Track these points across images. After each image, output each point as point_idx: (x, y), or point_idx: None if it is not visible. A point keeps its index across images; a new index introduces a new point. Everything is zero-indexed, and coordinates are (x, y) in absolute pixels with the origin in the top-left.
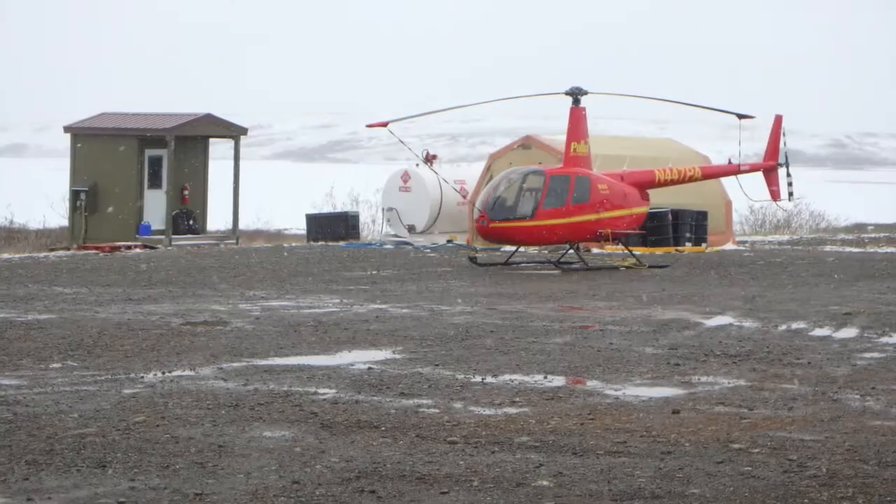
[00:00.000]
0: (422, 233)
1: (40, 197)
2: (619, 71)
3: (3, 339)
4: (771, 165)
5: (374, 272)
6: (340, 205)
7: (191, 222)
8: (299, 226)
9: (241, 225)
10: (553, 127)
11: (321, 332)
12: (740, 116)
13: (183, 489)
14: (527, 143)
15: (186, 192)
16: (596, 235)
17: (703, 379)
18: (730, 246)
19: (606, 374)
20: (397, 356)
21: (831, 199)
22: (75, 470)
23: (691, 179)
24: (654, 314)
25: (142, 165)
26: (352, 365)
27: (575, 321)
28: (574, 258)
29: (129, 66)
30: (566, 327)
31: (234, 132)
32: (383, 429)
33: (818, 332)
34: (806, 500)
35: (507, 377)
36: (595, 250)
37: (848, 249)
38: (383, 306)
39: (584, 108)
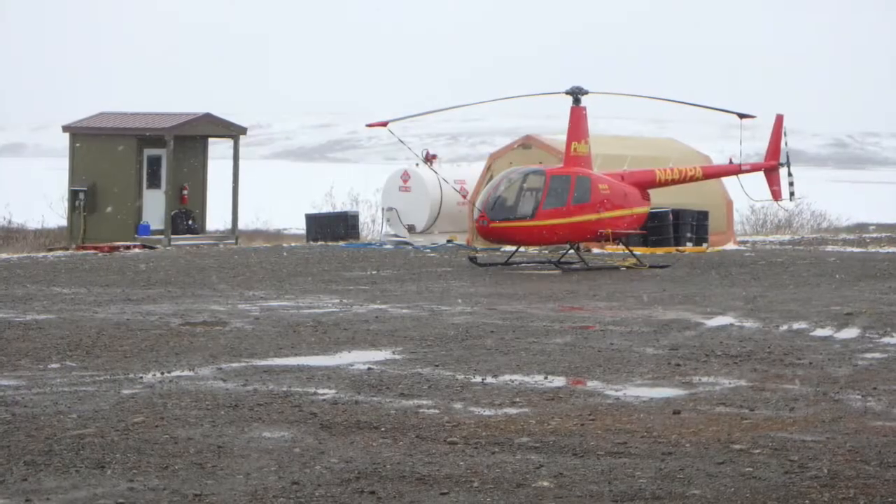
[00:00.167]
0: (422, 233)
1: (39, 197)
2: (619, 71)
3: (1, 339)
4: (772, 165)
5: (373, 272)
6: (340, 205)
7: (190, 222)
8: (299, 226)
9: (241, 225)
10: (553, 126)
11: (321, 332)
12: (741, 116)
13: (182, 490)
14: (527, 143)
15: (185, 192)
16: (596, 235)
17: (704, 379)
18: (731, 246)
19: (607, 374)
20: (397, 356)
21: (833, 199)
22: (74, 471)
23: (692, 179)
24: (655, 314)
25: (141, 165)
26: (351, 365)
27: (575, 321)
28: (574, 258)
29: (128, 66)
30: (567, 327)
31: (233, 132)
32: (383, 429)
33: (819, 332)
34: (807, 501)
35: (507, 377)
36: (595, 250)
37: (849, 249)
38: (383, 306)
39: (584, 108)
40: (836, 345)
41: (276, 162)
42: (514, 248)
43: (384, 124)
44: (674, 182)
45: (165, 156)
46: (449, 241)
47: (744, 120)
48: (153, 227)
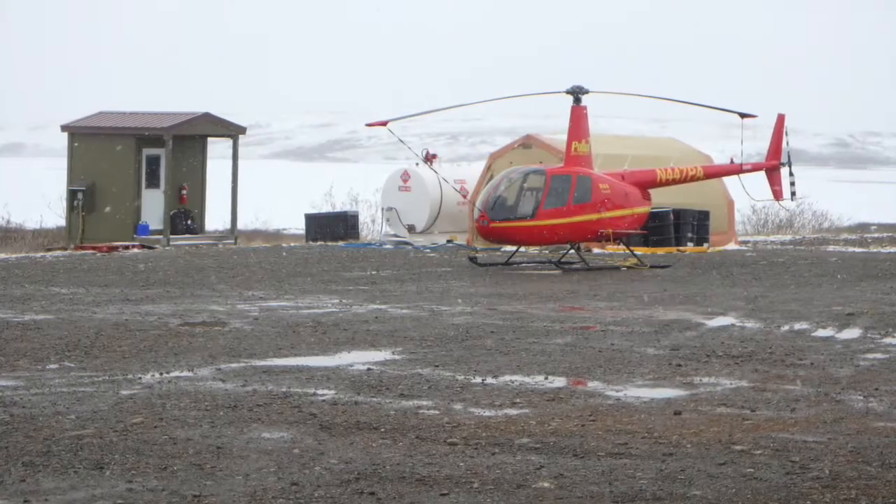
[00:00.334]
0: (421, 233)
1: (37, 196)
2: (620, 70)
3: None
4: (773, 165)
5: (373, 272)
6: (339, 204)
7: (189, 222)
8: (298, 226)
9: (240, 225)
10: (554, 126)
11: (320, 332)
12: (742, 115)
13: (181, 491)
14: (527, 143)
15: (184, 192)
16: (597, 235)
17: (705, 380)
18: (732, 246)
19: (608, 374)
20: (397, 357)
21: (834, 199)
22: (72, 471)
23: (693, 179)
24: (656, 315)
25: (139, 165)
26: (351, 366)
27: (576, 322)
28: (575, 258)
29: (126, 65)
30: (567, 328)
31: (232, 131)
32: (383, 430)
33: (821, 332)
34: (808, 502)
35: (507, 378)
36: (596, 250)
37: (851, 249)
38: (383, 307)
39: (585, 107)
40: (837, 345)
41: (276, 161)
42: (514, 248)
43: (384, 124)
44: (675, 182)
45: (164, 155)
46: (449, 241)
47: (745, 119)
48: (152, 226)
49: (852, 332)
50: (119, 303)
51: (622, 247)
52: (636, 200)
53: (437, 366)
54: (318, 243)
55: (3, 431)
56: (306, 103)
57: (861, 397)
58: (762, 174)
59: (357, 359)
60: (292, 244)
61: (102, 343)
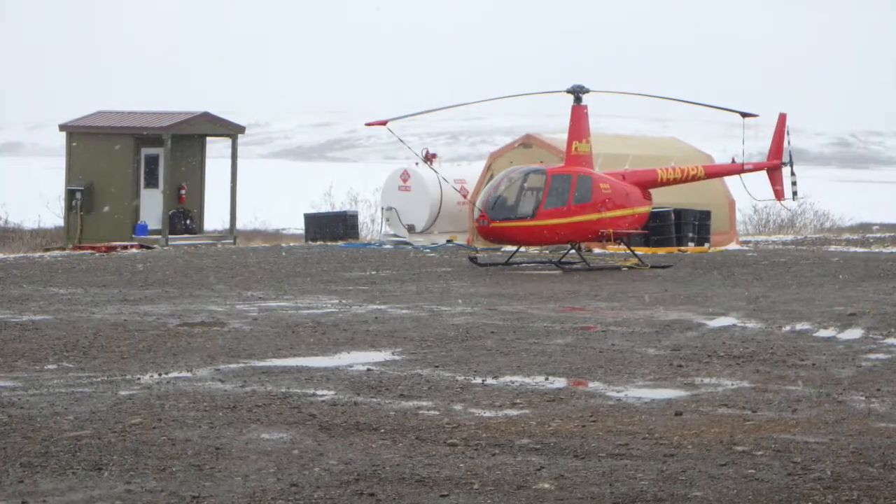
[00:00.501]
0: (421, 233)
1: (35, 196)
2: (621, 69)
3: None
4: (775, 164)
5: (373, 272)
6: (339, 204)
7: (188, 222)
8: (297, 225)
9: (239, 224)
10: (554, 125)
11: (320, 332)
12: (744, 115)
13: (180, 492)
14: (528, 142)
15: (183, 192)
16: (598, 235)
17: (706, 380)
18: (733, 246)
19: (608, 375)
20: (396, 357)
21: (836, 199)
22: (71, 473)
23: (694, 179)
24: (657, 315)
25: (138, 164)
26: (350, 366)
27: (576, 322)
28: (576, 258)
29: (125, 64)
30: (567, 328)
31: (231, 131)
32: (382, 431)
33: (822, 333)
34: (810, 503)
35: (507, 379)
36: (597, 250)
37: (853, 249)
38: (382, 307)
39: (585, 107)
40: (839, 346)
41: (275, 161)
42: (514, 248)
43: (383, 123)
44: (676, 181)
45: (163, 155)
46: (449, 241)
47: (746, 119)
48: (151, 226)
49: (854, 333)
50: (117, 303)
51: (623, 247)
52: (637, 200)
53: (437, 366)
54: (318, 243)
55: (1, 432)
56: (305, 103)
57: (863, 398)
58: (764, 174)
59: (357, 359)
60: (291, 244)
61: (101, 343)
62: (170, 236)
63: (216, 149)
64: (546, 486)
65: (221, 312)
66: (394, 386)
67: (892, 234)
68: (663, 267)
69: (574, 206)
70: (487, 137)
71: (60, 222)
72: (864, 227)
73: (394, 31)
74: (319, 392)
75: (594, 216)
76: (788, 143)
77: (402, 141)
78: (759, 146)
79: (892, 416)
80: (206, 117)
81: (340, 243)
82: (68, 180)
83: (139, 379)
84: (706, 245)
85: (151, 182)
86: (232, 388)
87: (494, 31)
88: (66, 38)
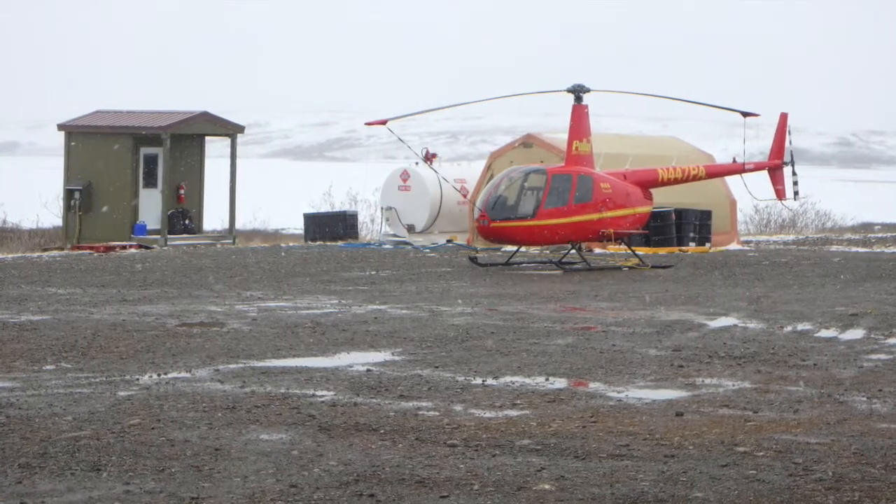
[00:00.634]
0: (421, 232)
1: (34, 196)
2: (622, 69)
3: None
4: (776, 164)
5: (372, 272)
6: (339, 204)
7: (187, 222)
8: (297, 225)
9: (238, 224)
10: (555, 125)
11: (319, 333)
12: (745, 114)
13: (179, 493)
14: (528, 142)
15: (182, 192)
16: (598, 235)
17: (707, 381)
18: (734, 246)
19: (609, 375)
20: (396, 358)
21: (837, 199)
22: (69, 473)
23: (695, 178)
24: (658, 315)
25: (137, 164)
26: (350, 367)
27: (577, 322)
28: (576, 258)
29: (124, 64)
30: (568, 328)
31: (230, 130)
32: (382, 431)
33: (824, 333)
34: None
35: (507, 379)
36: (597, 250)
37: (854, 249)
38: (382, 307)
39: (586, 106)
40: (840, 346)
41: (274, 161)
42: (514, 248)
43: (383, 122)
44: (676, 181)
45: (162, 154)
46: (449, 241)
47: (747, 118)
48: (149, 226)
49: (856, 333)
50: (116, 303)
51: (623, 247)
52: (638, 200)
53: (436, 367)
54: (317, 243)
55: (0, 433)
56: (305, 102)
57: (864, 398)
58: (765, 173)
59: (356, 360)
60: (291, 244)
61: (99, 344)
62: (169, 236)
63: (215, 148)
64: (546, 487)
65: (220, 313)
66: (393, 386)
67: (894, 233)
68: (664, 267)
69: (574, 206)
70: (487, 137)
71: (59, 222)
72: (866, 227)
73: (394, 31)
74: (319, 393)
75: (595, 216)
76: (790, 142)
77: (401, 140)
78: (760, 146)
79: (894, 417)
80: (205, 117)
81: (340, 243)
82: (67, 180)
83: (138, 379)
84: (707, 245)
85: (150, 182)
86: (231, 389)
87: (494, 31)
88: (64, 38)
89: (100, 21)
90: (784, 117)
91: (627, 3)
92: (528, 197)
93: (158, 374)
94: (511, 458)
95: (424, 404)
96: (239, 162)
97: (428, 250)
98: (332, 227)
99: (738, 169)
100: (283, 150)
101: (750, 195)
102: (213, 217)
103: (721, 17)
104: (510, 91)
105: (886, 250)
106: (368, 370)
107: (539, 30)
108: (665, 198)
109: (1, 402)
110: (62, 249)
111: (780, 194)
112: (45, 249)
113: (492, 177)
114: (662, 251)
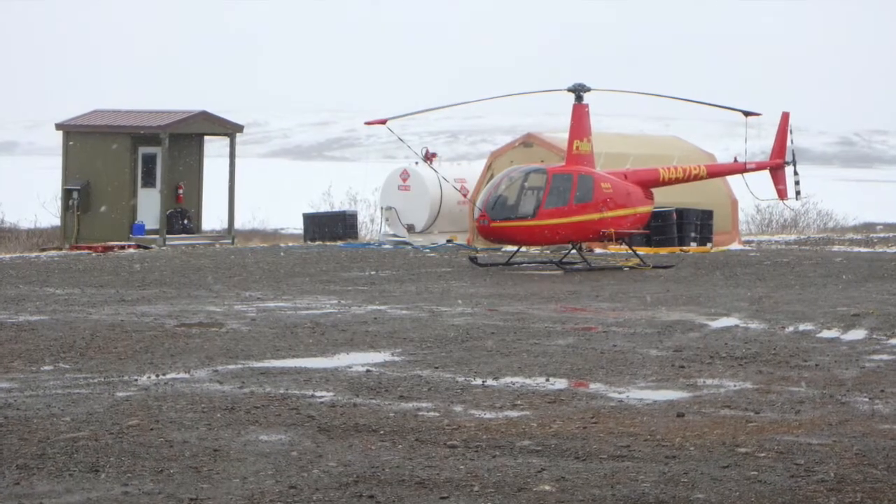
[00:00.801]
0: (421, 232)
1: (32, 196)
2: (622, 68)
3: None
4: (778, 163)
5: (372, 272)
6: (338, 204)
7: (185, 222)
8: (296, 225)
9: (237, 224)
10: (555, 124)
11: (318, 333)
12: (746, 114)
13: (177, 494)
14: (528, 141)
15: (181, 191)
16: (599, 235)
17: (709, 381)
18: (735, 246)
19: (610, 376)
20: (396, 358)
21: (839, 198)
22: (67, 475)
23: (696, 178)
24: (659, 315)
25: (135, 163)
26: (350, 367)
27: (577, 323)
28: (577, 258)
29: (122, 63)
30: (569, 329)
31: (229, 129)
32: (382, 432)
33: (826, 333)
34: None
35: (508, 380)
36: (598, 250)
37: (856, 249)
38: (382, 307)
39: (587, 105)
40: (842, 346)
41: (273, 160)
42: (515, 248)
43: (383, 122)
44: (678, 181)
45: (160, 154)
46: (449, 241)
47: (749, 118)
48: (148, 226)
49: (858, 334)
50: (114, 303)
51: (624, 247)
52: (639, 200)
53: (436, 367)
54: (317, 243)
55: None
56: (304, 101)
57: (867, 399)
58: (766, 173)
59: (356, 360)
60: (290, 244)
61: (98, 344)
62: (167, 236)
63: (214, 148)
64: (547, 488)
65: (219, 313)
66: (393, 387)
67: None
68: (665, 267)
69: (575, 206)
70: (488, 136)
71: (57, 222)
72: (868, 227)
73: (393, 31)
74: (318, 393)
75: (595, 216)
76: (791, 142)
77: (401, 140)
78: (761, 145)
79: None
80: (204, 116)
81: (339, 243)
82: (65, 180)
83: (136, 380)
84: (708, 245)
85: (149, 181)
86: (230, 390)
87: (494, 31)
88: (63, 38)
89: (99, 21)
90: (786, 117)
91: (627, 3)
92: (529, 197)
93: (157, 375)
94: (511, 459)
95: (424, 405)
96: (238, 161)
97: (428, 250)
98: (331, 227)
99: (739, 168)
100: (282, 150)
101: (751, 195)
102: (212, 217)
103: (721, 17)
104: (510, 90)
105: (888, 250)
106: (368, 371)
107: (539, 30)
108: (666, 197)
109: None
110: (60, 249)
111: (782, 194)
112: (44, 249)
113: (492, 176)
114: (663, 251)
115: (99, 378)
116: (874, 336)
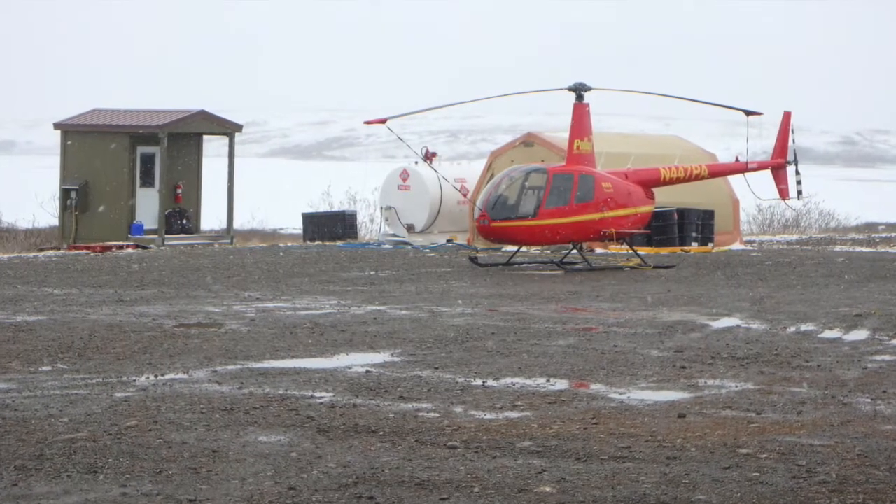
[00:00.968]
0: (421, 232)
1: (30, 195)
2: (623, 67)
3: None
4: (779, 163)
5: (372, 273)
6: (338, 203)
7: (184, 221)
8: (295, 225)
9: (236, 224)
10: (556, 124)
11: (318, 334)
12: (748, 113)
13: (176, 495)
14: (529, 141)
15: (180, 191)
16: (600, 235)
17: (710, 382)
18: (737, 246)
19: (610, 377)
20: (396, 359)
21: (841, 198)
22: (65, 476)
23: (697, 178)
24: (660, 316)
25: (134, 163)
26: (349, 368)
27: (578, 323)
28: (577, 258)
29: (121, 62)
30: (569, 329)
31: (228, 129)
32: (381, 433)
33: (828, 334)
34: None
35: (508, 380)
36: (599, 250)
37: (858, 249)
38: (381, 308)
39: (587, 105)
40: (844, 347)
41: (273, 160)
42: (515, 248)
43: (383, 121)
44: (679, 180)
45: (159, 153)
46: (449, 241)
47: (750, 117)
48: (146, 226)
49: (860, 334)
50: (113, 304)
51: (625, 247)
52: (640, 199)
53: (436, 368)
54: (316, 243)
55: None
56: (303, 101)
57: (869, 400)
58: (768, 173)
59: (355, 361)
60: (289, 244)
61: (96, 345)
62: (166, 236)
63: (213, 147)
64: (547, 489)
65: (218, 313)
66: (393, 388)
67: None
68: (666, 267)
69: (576, 206)
70: (488, 136)
71: (55, 222)
72: (870, 227)
73: (394, 31)
74: (318, 394)
75: (596, 216)
76: (793, 141)
77: (401, 139)
78: (763, 145)
79: None
80: (203, 115)
81: (339, 243)
82: (63, 179)
83: (135, 381)
84: (710, 245)
85: (147, 181)
86: (229, 390)
87: (494, 31)
88: (61, 36)
89: (99, 20)
90: (787, 116)
91: (627, 3)
92: (529, 196)
93: (155, 376)
94: (512, 460)
95: (424, 406)
96: (237, 161)
97: (428, 250)
98: (330, 226)
99: (740, 168)
100: (281, 149)
101: (753, 195)
102: (211, 217)
103: (721, 17)
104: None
105: (891, 250)
106: (368, 371)
107: (539, 30)
108: (667, 197)
109: None
110: (58, 249)
111: (784, 194)
112: (42, 249)
113: (492, 176)
114: (664, 251)
115: (97, 379)
116: (876, 336)
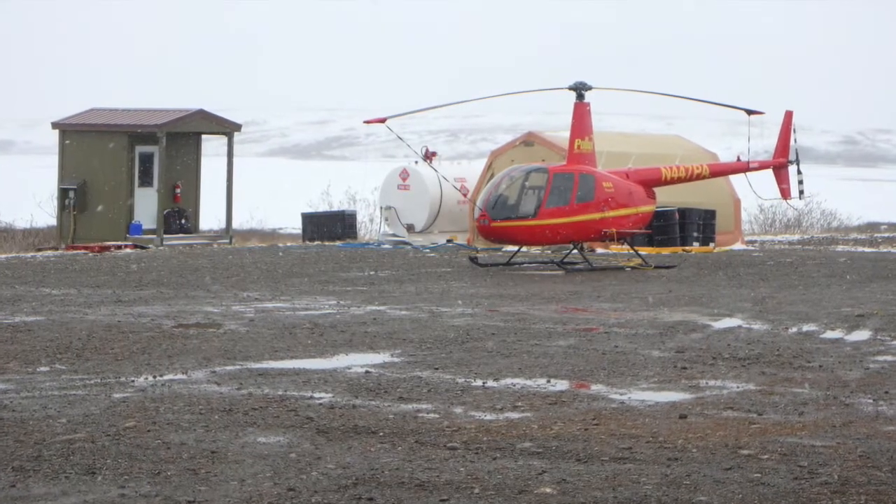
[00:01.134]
0: (421, 232)
1: (28, 195)
2: (624, 67)
3: None
4: (781, 163)
5: (371, 273)
6: (337, 203)
7: (183, 221)
8: (295, 225)
9: (235, 224)
10: (556, 123)
11: (317, 334)
12: (750, 112)
13: (175, 496)
14: (529, 140)
15: (178, 191)
16: (600, 235)
17: (711, 383)
18: (738, 246)
19: (611, 377)
20: (395, 359)
21: (843, 198)
22: (63, 477)
23: (699, 177)
24: (661, 316)
25: (132, 163)
26: (349, 368)
27: (579, 323)
28: (578, 258)
29: (120, 62)
30: (570, 329)
31: (227, 128)
32: (381, 434)
33: (830, 334)
34: None
35: (508, 381)
36: (599, 250)
37: (860, 249)
38: (381, 308)
39: (588, 104)
40: (846, 347)
41: (272, 159)
42: (515, 248)
43: (382, 121)
44: (680, 180)
45: (158, 153)
46: (449, 241)
47: (752, 116)
48: (145, 226)
49: (862, 334)
50: (111, 304)
51: (626, 247)
52: (641, 199)
53: (436, 368)
54: (316, 243)
55: None
56: (303, 100)
57: (871, 401)
58: (769, 172)
59: (355, 361)
60: (289, 244)
61: (94, 345)
62: (165, 236)
63: (212, 147)
64: (548, 490)
65: (217, 314)
66: (393, 388)
67: None
68: (667, 267)
69: (576, 206)
70: (488, 135)
71: (53, 222)
72: (872, 227)
73: (393, 30)
74: (317, 395)
75: (597, 215)
76: (795, 140)
77: (401, 139)
78: (764, 144)
79: None
80: (202, 115)
81: (338, 243)
82: (61, 179)
83: (133, 381)
84: (711, 245)
85: (146, 181)
86: (228, 391)
87: (495, 31)
88: (60, 36)
89: (99, 20)
90: (789, 115)
91: (627, 3)
92: (530, 196)
93: (154, 376)
94: (512, 461)
95: (424, 406)
96: (236, 160)
97: (428, 250)
98: (330, 226)
99: (742, 168)
100: (280, 149)
101: (754, 194)
102: (210, 216)
103: (721, 17)
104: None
105: (893, 250)
106: (367, 372)
107: (539, 30)
108: (669, 197)
109: None
110: (56, 249)
111: (785, 193)
112: (40, 249)
113: (492, 176)
114: (666, 251)
115: (95, 379)
116: (878, 337)
